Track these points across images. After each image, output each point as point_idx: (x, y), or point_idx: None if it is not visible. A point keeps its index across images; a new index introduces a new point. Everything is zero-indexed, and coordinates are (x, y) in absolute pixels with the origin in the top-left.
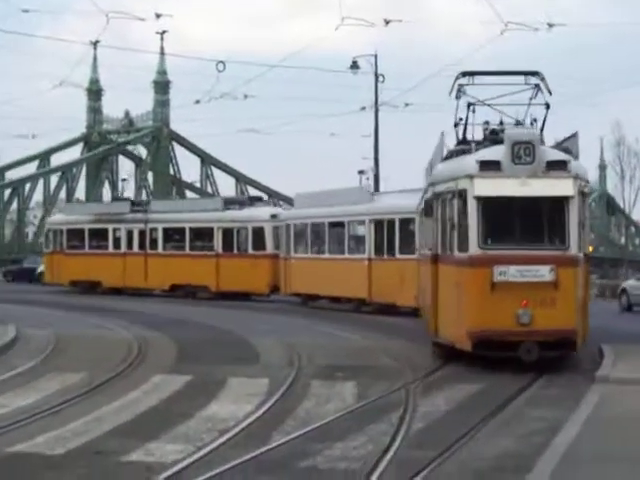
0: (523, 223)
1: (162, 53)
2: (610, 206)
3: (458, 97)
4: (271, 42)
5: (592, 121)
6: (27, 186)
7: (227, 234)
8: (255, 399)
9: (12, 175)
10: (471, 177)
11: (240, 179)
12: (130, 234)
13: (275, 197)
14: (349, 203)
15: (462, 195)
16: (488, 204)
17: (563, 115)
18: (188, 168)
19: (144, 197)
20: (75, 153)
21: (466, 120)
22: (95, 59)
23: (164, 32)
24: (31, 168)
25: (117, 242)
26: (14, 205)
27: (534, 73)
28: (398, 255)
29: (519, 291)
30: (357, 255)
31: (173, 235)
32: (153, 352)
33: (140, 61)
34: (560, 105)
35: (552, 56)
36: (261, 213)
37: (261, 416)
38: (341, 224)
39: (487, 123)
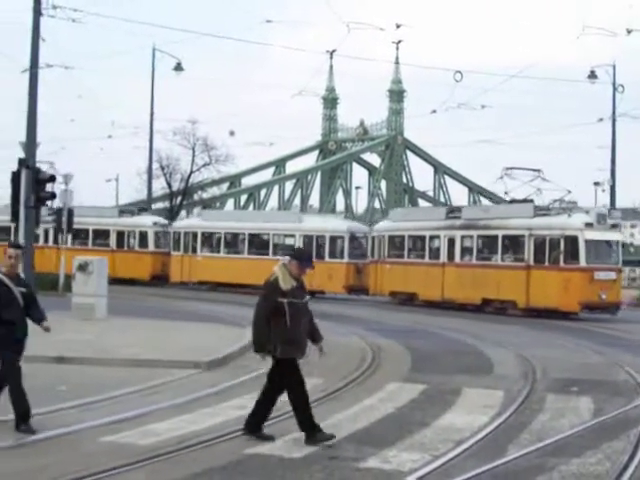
0: (602, 251)
1: (397, 62)
2: None
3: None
4: (508, 52)
5: None
6: (263, 192)
7: (120, 235)
8: (490, 410)
9: (249, 181)
10: (580, 230)
11: (473, 188)
12: (46, 232)
13: None
14: (277, 221)
15: (572, 238)
16: (589, 242)
17: None
18: (421, 177)
19: (377, 205)
20: (310, 161)
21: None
22: (331, 68)
23: (400, 42)
24: (267, 175)
25: (36, 238)
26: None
27: (537, 170)
28: (327, 259)
29: (601, 283)
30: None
31: (79, 234)
32: (387, 360)
33: (375, 70)
34: None
35: None
36: (146, 221)
37: (496, 428)
38: (266, 235)
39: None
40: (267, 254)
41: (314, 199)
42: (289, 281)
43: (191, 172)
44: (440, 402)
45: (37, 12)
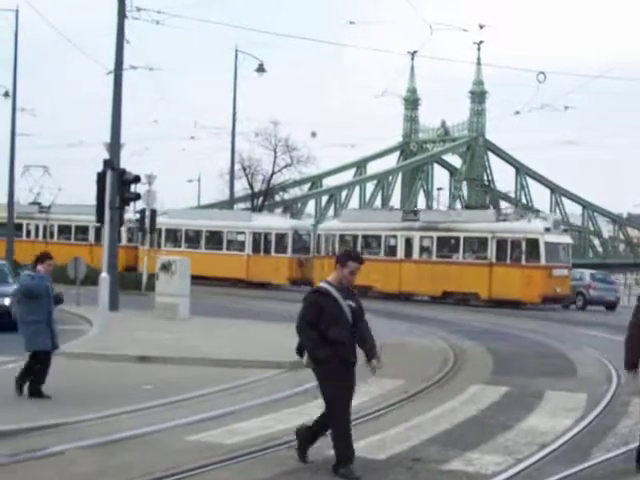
0: (557, 251)
1: (479, 63)
2: None
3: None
4: (592, 52)
5: None
6: (343, 193)
7: (98, 231)
8: (573, 414)
9: (330, 182)
10: (541, 233)
11: (555, 190)
12: (37, 227)
13: (591, 210)
14: (230, 220)
15: (533, 240)
16: (547, 244)
17: None
18: (502, 178)
19: (458, 206)
20: (391, 162)
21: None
22: (413, 69)
23: (481, 42)
24: (348, 176)
25: (28, 233)
26: (330, 211)
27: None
28: (273, 254)
29: (556, 279)
30: (236, 252)
31: (65, 230)
32: (469, 362)
33: (457, 71)
34: None
35: None
36: None
37: (580, 431)
38: (221, 232)
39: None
40: (221, 249)
41: (395, 200)
42: None
43: (273, 173)
44: (523, 405)
45: (121, 14)
